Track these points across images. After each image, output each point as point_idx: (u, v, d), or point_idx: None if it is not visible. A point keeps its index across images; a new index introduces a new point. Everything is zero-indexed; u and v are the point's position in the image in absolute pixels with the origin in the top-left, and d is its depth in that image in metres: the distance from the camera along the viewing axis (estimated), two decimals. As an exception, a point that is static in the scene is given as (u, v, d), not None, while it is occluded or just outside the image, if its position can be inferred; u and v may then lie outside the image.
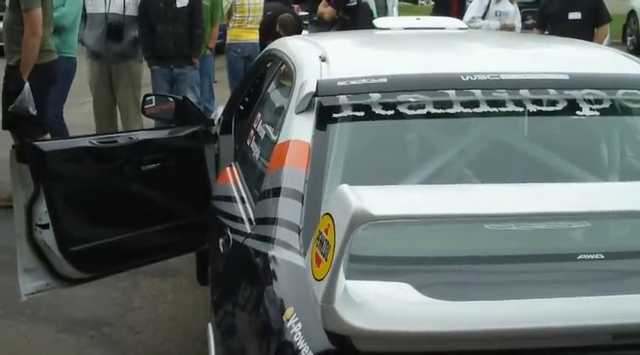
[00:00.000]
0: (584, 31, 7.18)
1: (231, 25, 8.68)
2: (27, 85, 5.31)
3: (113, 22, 6.73)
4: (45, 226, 3.38)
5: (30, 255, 3.43)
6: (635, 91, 2.60)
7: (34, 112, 5.36)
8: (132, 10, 6.85)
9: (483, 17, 8.11)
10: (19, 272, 3.43)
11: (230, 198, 2.86)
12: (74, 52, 6.55)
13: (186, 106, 4.05)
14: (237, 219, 2.65)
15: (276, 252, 2.16)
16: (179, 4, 7.10)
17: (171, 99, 4.18)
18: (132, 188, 3.61)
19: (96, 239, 3.50)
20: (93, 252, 3.49)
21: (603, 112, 2.54)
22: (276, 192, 2.35)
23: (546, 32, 7.59)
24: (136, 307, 4.33)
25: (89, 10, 6.68)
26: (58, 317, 4.11)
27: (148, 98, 4.15)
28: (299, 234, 2.14)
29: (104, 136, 3.72)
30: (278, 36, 8.53)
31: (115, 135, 3.87)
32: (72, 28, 6.40)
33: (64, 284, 3.59)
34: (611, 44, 8.27)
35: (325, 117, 2.48)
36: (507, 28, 7.96)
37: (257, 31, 8.57)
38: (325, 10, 8.03)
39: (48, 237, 3.39)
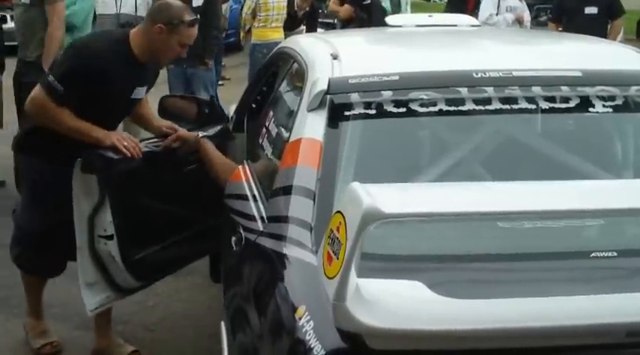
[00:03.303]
0: (600, 26, 7.28)
1: (255, 25, 8.67)
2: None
3: (125, 23, 6.71)
4: (110, 237, 3.33)
5: (91, 268, 3.38)
6: (649, 88, 2.58)
7: None
8: (143, 11, 6.80)
9: (497, 13, 8.15)
10: (81, 288, 3.40)
11: (242, 196, 2.87)
12: (86, 50, 6.56)
13: (213, 105, 4.03)
14: (249, 217, 2.65)
15: (288, 250, 2.17)
16: (194, 4, 7.08)
17: (193, 99, 4.16)
18: (178, 189, 3.53)
19: (151, 245, 3.48)
20: (149, 259, 3.48)
21: (616, 109, 2.53)
22: (288, 190, 2.35)
23: (560, 28, 7.61)
24: (150, 305, 4.34)
25: (99, 11, 6.66)
26: (73, 314, 4.12)
27: (167, 98, 4.11)
28: (311, 232, 2.15)
29: (151, 139, 3.65)
30: (296, 16, 8.63)
31: (156, 137, 3.78)
32: (83, 27, 6.40)
33: (120, 296, 3.57)
34: (625, 40, 8.25)
35: (337, 114, 2.48)
36: (520, 18, 8.03)
37: (281, 30, 8.58)
38: (341, 8, 8.05)
39: (113, 247, 3.34)
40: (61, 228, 3.39)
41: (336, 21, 8.81)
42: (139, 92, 3.56)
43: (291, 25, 8.79)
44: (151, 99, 3.88)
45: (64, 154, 3.30)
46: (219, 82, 9.31)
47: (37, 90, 3.33)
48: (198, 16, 3.80)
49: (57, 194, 3.36)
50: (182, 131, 3.55)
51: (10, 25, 8.09)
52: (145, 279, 3.58)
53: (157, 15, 3.39)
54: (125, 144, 3.28)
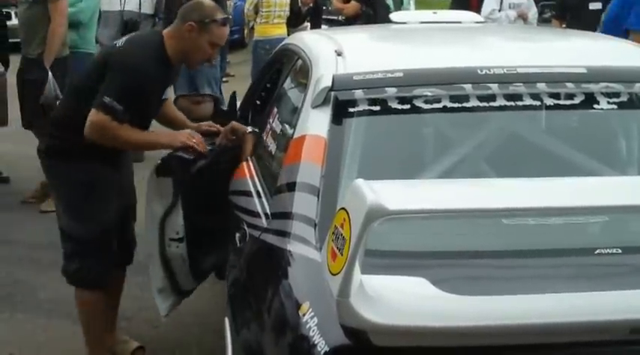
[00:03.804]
0: None
1: (258, 21, 8.69)
2: (50, 74, 5.36)
3: (129, 20, 6.71)
4: (181, 239, 3.32)
5: (161, 273, 3.39)
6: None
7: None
8: (148, 8, 6.82)
9: (499, 10, 8.14)
10: (154, 294, 3.44)
11: (246, 193, 2.87)
12: (93, 47, 6.54)
13: (234, 103, 4.02)
14: (253, 213, 2.66)
15: (292, 247, 2.17)
16: None
17: (207, 98, 4.15)
18: (220, 187, 3.53)
19: (209, 244, 3.47)
20: (207, 258, 3.48)
21: (621, 105, 2.52)
22: (292, 186, 2.35)
23: (563, 25, 7.61)
24: (154, 301, 4.34)
25: (104, 7, 6.66)
26: (76, 311, 4.13)
27: (178, 98, 4.10)
28: (315, 228, 2.15)
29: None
30: (300, 13, 8.64)
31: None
32: (90, 24, 6.43)
33: (179, 300, 3.60)
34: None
35: (341, 111, 2.48)
36: (523, 15, 8.01)
37: (284, 26, 8.61)
38: (347, 5, 8.08)
39: (184, 250, 3.34)
40: (114, 231, 3.40)
41: (340, 17, 8.82)
42: (167, 92, 3.56)
43: (295, 22, 8.81)
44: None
45: (109, 154, 3.33)
46: (224, 79, 9.32)
47: (94, 114, 3.20)
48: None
49: (107, 191, 3.36)
50: (234, 123, 3.53)
51: (14, 22, 8.09)
52: (199, 279, 3.59)
53: (189, 13, 3.35)
54: (195, 140, 3.29)
